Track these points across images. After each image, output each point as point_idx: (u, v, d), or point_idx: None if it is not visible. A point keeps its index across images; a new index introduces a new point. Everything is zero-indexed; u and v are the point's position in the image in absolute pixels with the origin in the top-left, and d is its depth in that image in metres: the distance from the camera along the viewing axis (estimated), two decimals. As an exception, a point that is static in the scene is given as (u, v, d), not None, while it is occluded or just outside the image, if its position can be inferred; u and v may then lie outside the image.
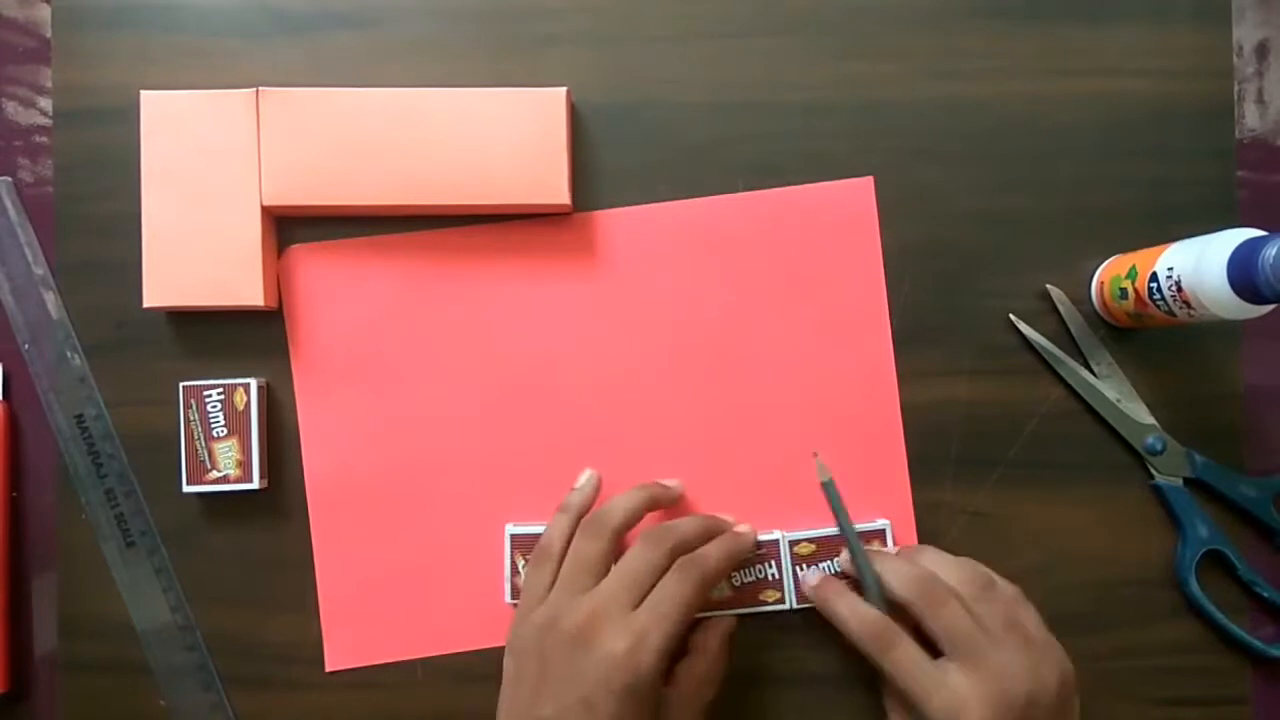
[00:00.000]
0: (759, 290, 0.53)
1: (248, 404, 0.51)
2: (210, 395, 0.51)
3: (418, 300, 0.53)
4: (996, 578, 0.48)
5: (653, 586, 0.45)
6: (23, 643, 0.53)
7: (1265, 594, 0.52)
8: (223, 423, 0.51)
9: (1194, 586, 0.52)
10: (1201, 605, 0.52)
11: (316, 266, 0.53)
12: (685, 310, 0.53)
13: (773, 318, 0.53)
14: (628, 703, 0.42)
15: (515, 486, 0.53)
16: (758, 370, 0.53)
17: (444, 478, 0.53)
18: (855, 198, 0.54)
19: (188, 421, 0.51)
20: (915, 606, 0.46)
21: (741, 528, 0.51)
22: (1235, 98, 0.54)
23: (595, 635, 0.43)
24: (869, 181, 0.54)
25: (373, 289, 0.53)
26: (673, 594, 0.44)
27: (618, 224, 0.54)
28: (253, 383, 0.51)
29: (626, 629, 0.43)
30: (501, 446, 0.53)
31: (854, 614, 0.47)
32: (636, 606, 0.44)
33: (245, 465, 0.51)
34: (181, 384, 0.51)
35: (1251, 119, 0.55)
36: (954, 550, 0.52)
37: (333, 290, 0.53)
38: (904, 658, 0.45)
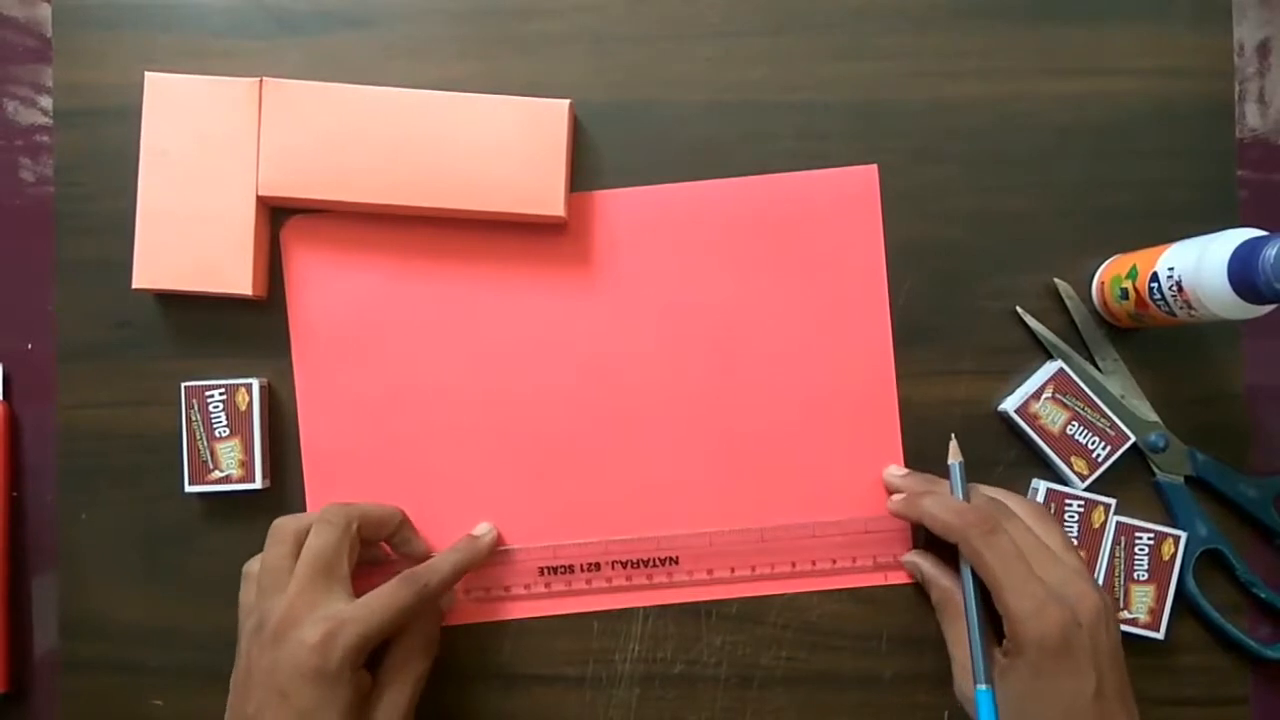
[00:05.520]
0: (759, 277, 0.53)
1: (250, 404, 0.51)
2: (212, 395, 0.51)
3: (415, 281, 0.53)
4: (1050, 514, 0.49)
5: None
6: (23, 643, 0.53)
7: (1263, 595, 0.52)
8: (225, 423, 0.51)
9: (1191, 585, 0.52)
10: (1199, 604, 0.52)
11: (315, 242, 0.53)
12: (683, 295, 0.53)
13: (772, 305, 0.53)
14: (320, 689, 0.42)
15: (508, 474, 0.53)
16: (754, 356, 0.53)
17: (438, 461, 0.53)
18: (859, 185, 0.54)
19: (189, 422, 0.51)
20: (986, 514, 0.46)
21: (480, 529, 0.52)
22: (1236, 97, 0.54)
23: (292, 627, 0.43)
24: (873, 169, 0.54)
25: (371, 269, 0.53)
26: (385, 597, 0.45)
27: (616, 205, 0.53)
28: (255, 383, 0.51)
29: (323, 619, 0.43)
30: (496, 434, 0.53)
31: (952, 506, 0.48)
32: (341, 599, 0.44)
33: (248, 465, 0.51)
34: (184, 384, 0.51)
35: (1252, 118, 0.55)
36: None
37: (331, 269, 0.53)
38: (1008, 545, 0.45)
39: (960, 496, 0.49)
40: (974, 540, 0.46)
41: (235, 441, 0.51)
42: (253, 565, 0.48)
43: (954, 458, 0.50)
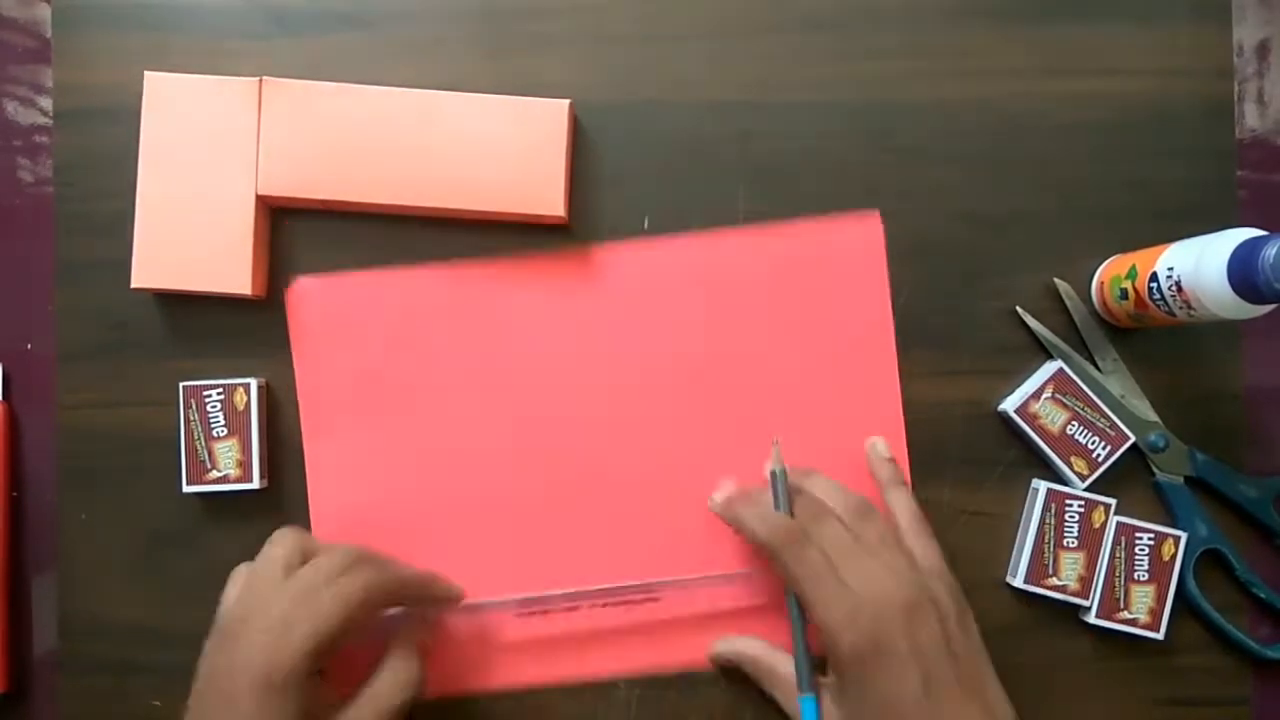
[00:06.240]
0: (761, 325, 0.53)
1: (248, 404, 0.51)
2: (210, 395, 0.51)
3: (425, 335, 0.53)
4: (873, 507, 0.48)
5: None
6: (23, 643, 0.53)
7: (1262, 595, 0.52)
8: (223, 422, 0.51)
9: (1192, 586, 0.52)
10: (1199, 605, 0.52)
11: (326, 300, 0.53)
12: (689, 343, 0.53)
13: (776, 352, 0.53)
14: (266, 695, 0.40)
15: (521, 522, 0.53)
16: (761, 404, 0.53)
17: (447, 507, 0.53)
18: (862, 234, 0.53)
19: (188, 421, 0.51)
20: (793, 528, 0.46)
21: (450, 585, 0.50)
22: (1235, 97, 0.54)
23: (243, 628, 0.42)
24: (874, 218, 0.53)
25: (380, 323, 0.53)
26: (336, 591, 0.43)
27: (621, 258, 0.53)
28: (253, 382, 0.51)
29: (273, 619, 0.42)
30: (507, 480, 0.53)
31: (765, 520, 0.46)
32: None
33: (245, 465, 0.51)
34: (182, 384, 0.51)
35: (1252, 118, 0.55)
36: (954, 550, 0.52)
37: (341, 323, 0.53)
38: (815, 557, 0.44)
39: (782, 506, 0.48)
40: (783, 556, 0.45)
41: (233, 441, 0.51)
42: (240, 573, 0.48)
43: (774, 464, 0.48)
